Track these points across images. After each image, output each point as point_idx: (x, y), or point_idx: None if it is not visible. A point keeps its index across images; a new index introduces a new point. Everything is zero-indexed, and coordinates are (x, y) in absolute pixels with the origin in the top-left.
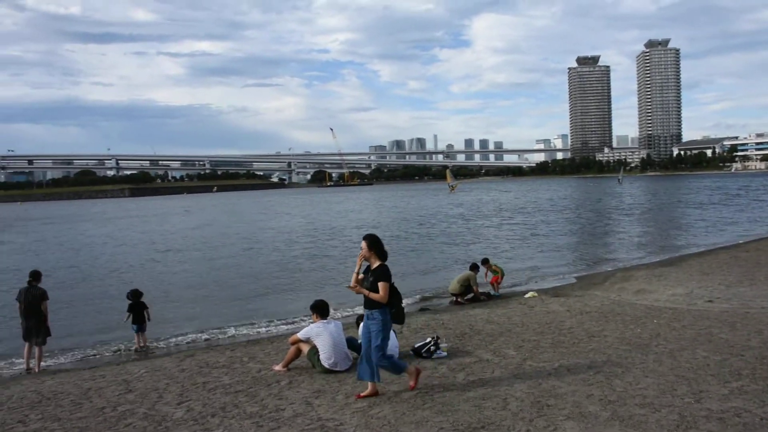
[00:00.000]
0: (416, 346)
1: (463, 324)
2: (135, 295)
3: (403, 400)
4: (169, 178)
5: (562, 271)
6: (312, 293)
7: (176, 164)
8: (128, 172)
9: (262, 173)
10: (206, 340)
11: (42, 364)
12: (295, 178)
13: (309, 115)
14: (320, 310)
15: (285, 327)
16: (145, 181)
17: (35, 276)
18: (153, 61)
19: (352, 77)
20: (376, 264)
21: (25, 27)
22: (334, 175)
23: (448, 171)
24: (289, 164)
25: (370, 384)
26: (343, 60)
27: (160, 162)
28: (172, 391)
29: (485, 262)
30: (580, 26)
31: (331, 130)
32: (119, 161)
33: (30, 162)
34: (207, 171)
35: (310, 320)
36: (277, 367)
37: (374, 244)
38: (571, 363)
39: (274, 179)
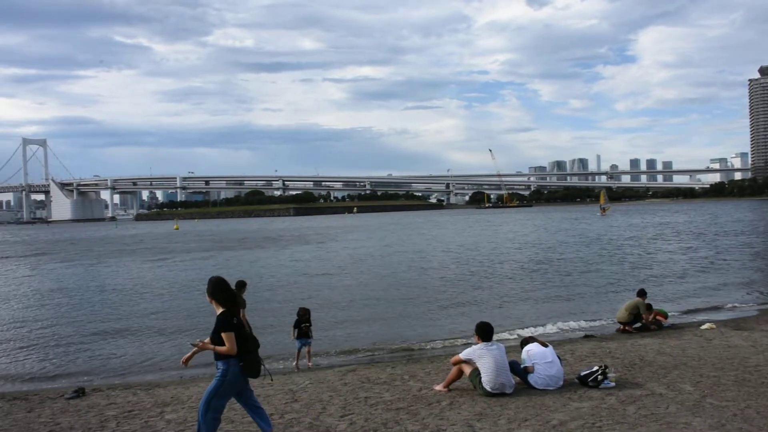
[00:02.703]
0: (582, 374)
1: (632, 354)
2: (301, 313)
3: (570, 431)
4: (332, 198)
5: (743, 300)
6: (475, 314)
7: (338, 185)
8: (293, 192)
9: (420, 194)
10: (368, 356)
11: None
12: (453, 199)
13: (468, 137)
14: (484, 331)
15: (445, 346)
16: (309, 201)
17: (239, 286)
18: (318, 87)
19: (511, 98)
20: (218, 311)
21: (206, 61)
22: (492, 196)
23: (602, 192)
24: (448, 185)
25: None
26: (503, 80)
27: (323, 183)
28: (335, 403)
29: (642, 294)
30: (766, 33)
31: (490, 151)
32: (285, 182)
33: (207, 183)
34: (367, 191)
35: (473, 341)
36: (438, 387)
37: (215, 290)
38: (761, 405)
39: (433, 200)
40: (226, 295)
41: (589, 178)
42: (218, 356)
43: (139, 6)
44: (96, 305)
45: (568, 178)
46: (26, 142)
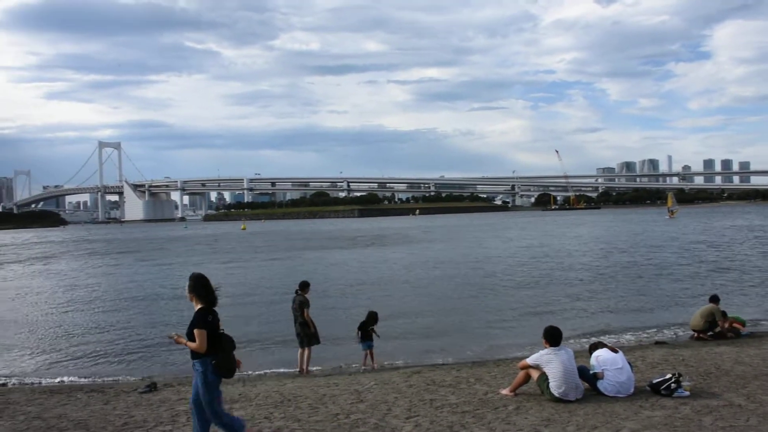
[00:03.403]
0: (654, 381)
1: (707, 362)
2: (368, 316)
3: None
4: (396, 200)
5: None
6: (542, 319)
7: (402, 186)
8: (358, 194)
9: (485, 196)
10: (431, 358)
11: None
12: (518, 201)
13: (534, 137)
14: (552, 336)
15: (512, 351)
16: (373, 203)
17: (302, 286)
18: (383, 89)
19: (578, 97)
20: (197, 307)
21: (273, 65)
22: (558, 198)
23: (670, 195)
24: (513, 187)
25: None
26: (570, 80)
27: (387, 184)
28: (400, 405)
29: (715, 300)
30: None
31: (557, 152)
32: (350, 183)
33: (273, 184)
34: (431, 193)
35: (541, 347)
36: (504, 391)
37: (196, 285)
38: None
39: (498, 202)
40: (207, 291)
41: (660, 179)
42: (195, 356)
43: (209, 12)
44: (171, 302)
45: (638, 179)
46: (102, 145)
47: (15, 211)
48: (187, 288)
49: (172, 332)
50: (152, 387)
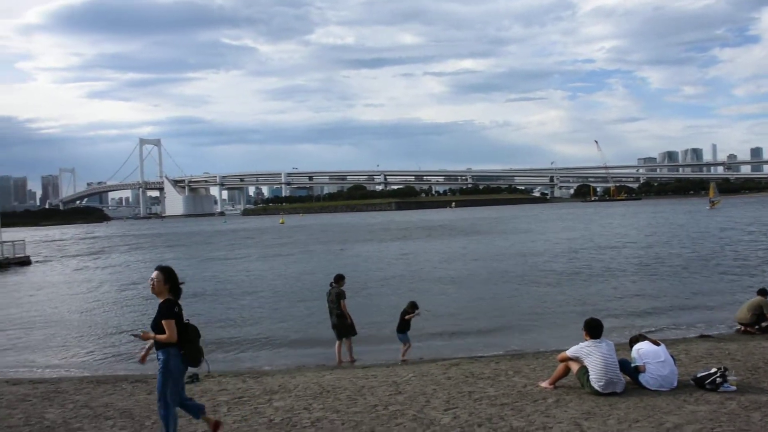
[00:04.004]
0: (699, 375)
1: (755, 356)
2: (410, 306)
3: None
4: (433, 192)
5: None
6: (584, 312)
7: (439, 179)
8: (395, 187)
9: (523, 187)
10: (470, 350)
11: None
12: (557, 193)
13: (572, 128)
14: (592, 328)
15: (552, 344)
16: (410, 195)
17: (337, 279)
18: (419, 82)
19: (618, 86)
20: (162, 299)
21: (309, 59)
22: (598, 189)
23: (712, 185)
24: (552, 178)
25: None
26: (610, 68)
27: (424, 177)
28: (439, 396)
29: (763, 293)
30: None
31: (596, 142)
32: (387, 176)
33: (310, 178)
34: (469, 185)
35: (582, 339)
36: (544, 384)
37: (171, 277)
38: None
39: (536, 193)
40: (174, 283)
41: (704, 169)
42: (158, 346)
43: (245, 8)
44: (217, 297)
45: (680, 169)
46: (142, 142)
47: (61, 207)
48: (155, 280)
49: (137, 331)
50: (194, 378)
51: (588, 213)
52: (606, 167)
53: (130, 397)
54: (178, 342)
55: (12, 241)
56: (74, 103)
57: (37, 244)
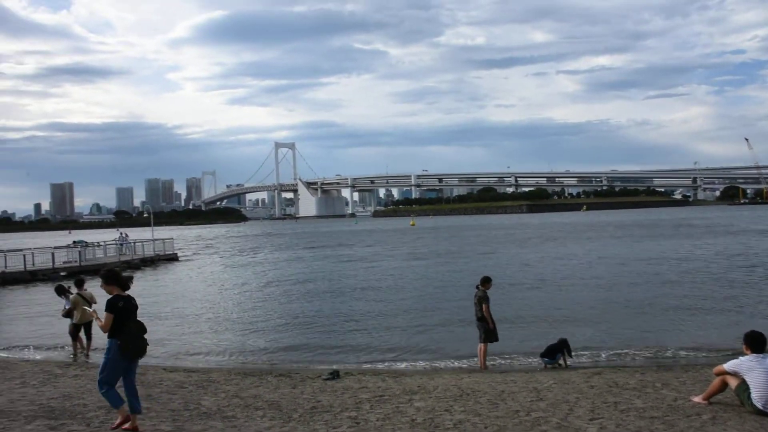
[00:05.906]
0: None
1: None
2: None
3: None
4: (566, 194)
5: None
6: (743, 324)
7: (572, 180)
8: (526, 189)
9: (662, 190)
10: (611, 359)
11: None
12: (701, 195)
13: (718, 125)
14: (755, 341)
15: (702, 356)
16: (542, 198)
17: (483, 281)
18: (551, 81)
19: None
20: (111, 295)
21: (439, 61)
22: (748, 191)
23: None
24: (695, 180)
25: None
26: (763, 59)
27: (557, 179)
28: (582, 405)
29: None
30: None
31: (746, 140)
32: (518, 178)
33: (440, 180)
34: (604, 187)
35: (742, 353)
36: (697, 399)
37: (109, 278)
38: None
39: (677, 196)
40: (118, 280)
41: None
42: (108, 335)
43: (375, 13)
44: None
45: None
46: (278, 145)
47: (203, 207)
48: (102, 280)
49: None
50: (335, 375)
51: (742, 216)
52: (758, 167)
53: (276, 390)
54: (114, 334)
55: (163, 239)
56: (216, 110)
57: (187, 242)
